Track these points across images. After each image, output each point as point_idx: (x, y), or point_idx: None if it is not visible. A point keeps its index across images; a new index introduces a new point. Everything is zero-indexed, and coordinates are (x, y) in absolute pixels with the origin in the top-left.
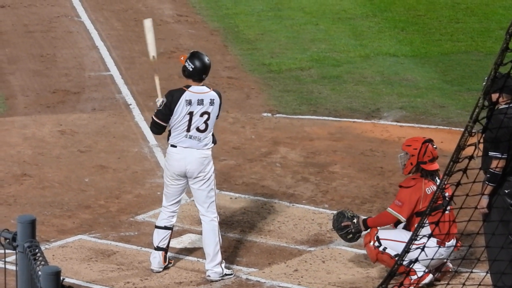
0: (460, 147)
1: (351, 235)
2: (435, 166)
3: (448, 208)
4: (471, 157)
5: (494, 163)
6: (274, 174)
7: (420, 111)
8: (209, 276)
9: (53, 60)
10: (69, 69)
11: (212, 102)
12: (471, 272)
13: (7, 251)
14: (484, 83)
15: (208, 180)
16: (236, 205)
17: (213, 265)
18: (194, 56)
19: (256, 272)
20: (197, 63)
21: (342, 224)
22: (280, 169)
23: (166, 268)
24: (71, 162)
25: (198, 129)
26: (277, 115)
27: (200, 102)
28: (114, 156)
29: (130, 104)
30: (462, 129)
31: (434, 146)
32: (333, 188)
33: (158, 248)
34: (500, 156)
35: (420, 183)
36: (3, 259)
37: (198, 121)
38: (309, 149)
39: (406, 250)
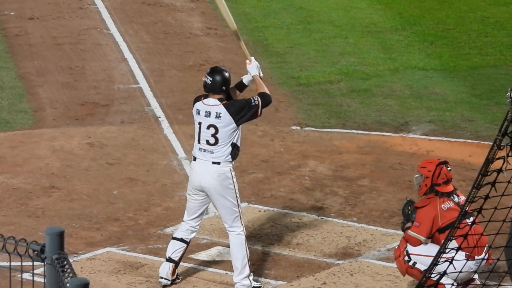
0: (488, 160)
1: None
2: (450, 188)
3: (470, 221)
4: (499, 170)
5: None
6: (303, 187)
7: (449, 125)
8: None
9: (82, 73)
10: (98, 82)
11: (218, 116)
12: (499, 285)
13: (35, 263)
14: (508, 94)
15: (228, 196)
16: (264, 218)
17: (241, 278)
18: (212, 70)
19: (285, 285)
20: (216, 76)
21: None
22: (309, 182)
23: (173, 282)
24: (99, 174)
25: (207, 142)
26: (306, 128)
27: (208, 114)
28: (143, 169)
29: (159, 117)
30: (491, 143)
31: (449, 168)
32: (361, 201)
33: (169, 260)
34: None
35: (434, 201)
36: (31, 271)
37: (205, 134)
38: (337, 163)
39: (434, 263)
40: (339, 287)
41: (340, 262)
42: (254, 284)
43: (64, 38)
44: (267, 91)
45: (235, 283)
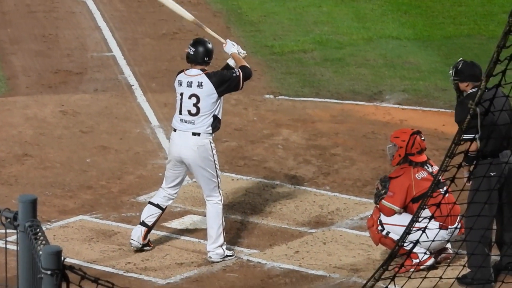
0: (462, 130)
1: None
2: (423, 157)
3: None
4: (473, 139)
5: (472, 145)
6: (276, 156)
7: (422, 94)
8: (210, 257)
9: (55, 41)
10: (71, 50)
11: (200, 85)
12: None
13: (8, 231)
14: (451, 71)
15: (207, 168)
16: (237, 187)
17: (215, 246)
18: (195, 41)
19: (257, 254)
20: (199, 47)
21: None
22: (282, 151)
23: (144, 246)
24: (72, 142)
25: (189, 113)
26: (280, 97)
27: (189, 84)
28: (116, 137)
29: (133, 85)
30: None
31: (422, 138)
32: (334, 170)
33: (142, 223)
34: (472, 138)
35: (408, 171)
36: (4, 239)
37: (187, 104)
38: (311, 131)
39: (407, 231)
40: (312, 255)
41: (313, 230)
42: (227, 253)
43: (37, 6)
44: (246, 65)
45: (208, 251)
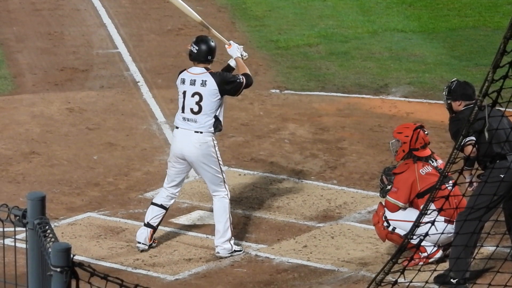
0: (469, 121)
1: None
2: (427, 152)
3: (450, 184)
4: (481, 131)
5: (467, 149)
6: (282, 150)
7: (428, 87)
8: (218, 252)
9: (60, 38)
10: (77, 47)
11: (203, 84)
12: (481, 246)
13: (17, 229)
14: (444, 91)
15: (210, 164)
16: (244, 182)
17: (222, 241)
18: (198, 39)
19: (265, 249)
20: (201, 45)
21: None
22: (289, 145)
23: (150, 247)
24: (79, 139)
25: (192, 111)
26: (285, 91)
27: (193, 82)
28: (123, 134)
29: (139, 82)
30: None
31: (426, 132)
32: (341, 164)
33: (147, 225)
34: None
35: (412, 167)
36: (13, 237)
37: (189, 102)
38: (317, 125)
39: (416, 224)
40: (320, 250)
41: (320, 225)
42: (235, 247)
43: (42, 4)
44: (249, 73)
45: (216, 246)
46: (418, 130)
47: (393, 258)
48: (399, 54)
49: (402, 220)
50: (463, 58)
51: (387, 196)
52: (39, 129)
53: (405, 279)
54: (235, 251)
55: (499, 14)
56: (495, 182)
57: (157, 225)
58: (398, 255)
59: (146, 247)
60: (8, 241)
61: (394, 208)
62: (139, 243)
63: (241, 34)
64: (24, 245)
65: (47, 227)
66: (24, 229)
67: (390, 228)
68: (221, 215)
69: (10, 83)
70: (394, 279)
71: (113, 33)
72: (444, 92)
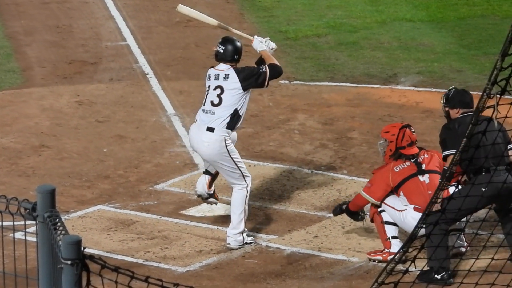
0: (478, 109)
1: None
2: (414, 150)
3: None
4: (490, 119)
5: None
6: (292, 141)
7: (437, 76)
8: (229, 244)
9: (69, 31)
10: (85, 40)
11: (226, 77)
12: (491, 234)
13: (27, 222)
14: (442, 99)
15: (224, 162)
16: (255, 173)
17: (235, 232)
18: (224, 39)
19: (276, 239)
20: (228, 46)
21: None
22: (299, 136)
23: (209, 197)
24: (89, 132)
25: (212, 103)
26: (295, 82)
27: (217, 77)
28: (133, 126)
29: (148, 74)
30: (480, 93)
31: (412, 131)
32: (351, 154)
33: (206, 172)
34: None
35: (389, 165)
36: (24, 230)
37: (211, 95)
38: (327, 116)
39: (426, 213)
40: (331, 240)
41: (331, 215)
42: (247, 240)
43: None
44: (276, 63)
45: (228, 236)
46: (405, 128)
47: (404, 246)
48: (408, 44)
49: (390, 206)
50: (472, 47)
51: (361, 190)
52: (48, 122)
53: (416, 268)
54: (246, 243)
55: (507, 3)
56: (476, 196)
57: (216, 173)
58: (409, 244)
59: (205, 194)
60: (19, 235)
61: (365, 202)
62: (197, 189)
63: (250, 25)
64: (34, 239)
65: (57, 220)
66: (34, 222)
67: (379, 209)
68: (237, 206)
69: (19, 77)
70: (405, 268)
71: (122, 25)
72: (442, 100)
